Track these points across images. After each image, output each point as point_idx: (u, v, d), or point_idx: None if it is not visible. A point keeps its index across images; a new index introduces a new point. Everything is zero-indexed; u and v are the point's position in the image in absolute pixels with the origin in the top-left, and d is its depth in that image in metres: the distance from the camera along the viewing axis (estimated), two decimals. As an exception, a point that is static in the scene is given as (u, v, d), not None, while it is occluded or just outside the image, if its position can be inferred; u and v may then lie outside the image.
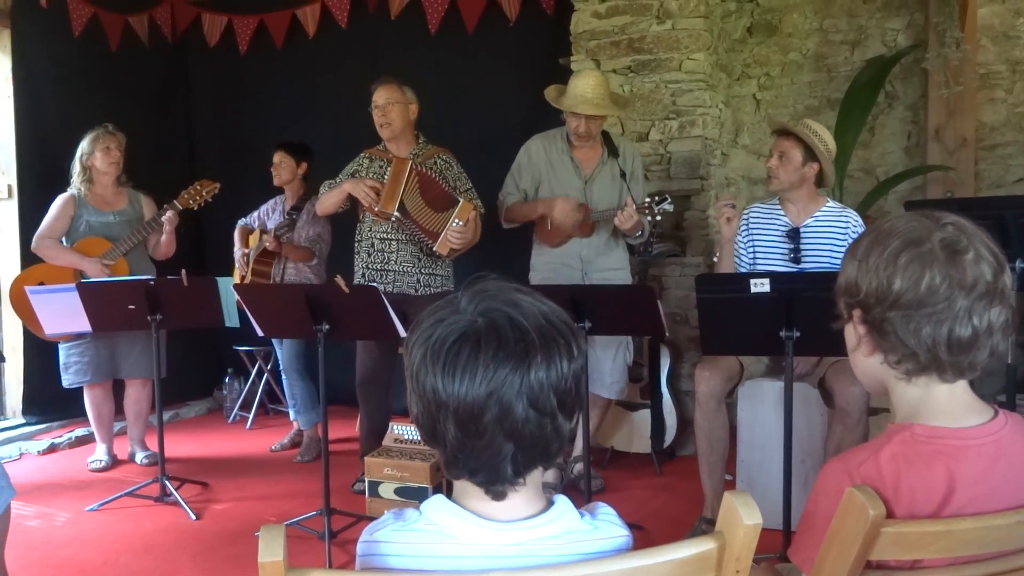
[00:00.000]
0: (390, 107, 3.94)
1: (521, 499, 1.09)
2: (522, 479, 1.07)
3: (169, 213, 4.40)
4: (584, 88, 3.78)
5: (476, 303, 1.06)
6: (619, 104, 4.05)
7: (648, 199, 3.74)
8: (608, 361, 3.99)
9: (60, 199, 4.48)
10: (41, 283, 4.23)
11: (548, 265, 4.01)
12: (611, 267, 4.00)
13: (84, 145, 4.46)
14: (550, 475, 4.08)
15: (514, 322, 1.03)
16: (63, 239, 4.46)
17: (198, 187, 4.50)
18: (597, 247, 3.97)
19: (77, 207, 4.45)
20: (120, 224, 4.49)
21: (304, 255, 4.60)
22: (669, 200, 3.72)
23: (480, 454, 1.04)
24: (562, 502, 1.11)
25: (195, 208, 4.54)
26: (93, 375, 4.45)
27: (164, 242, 4.50)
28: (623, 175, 3.94)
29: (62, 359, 4.45)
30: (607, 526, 1.13)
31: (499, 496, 1.07)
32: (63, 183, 4.55)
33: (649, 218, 3.74)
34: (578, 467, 3.91)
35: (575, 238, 3.95)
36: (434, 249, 3.89)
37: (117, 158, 4.48)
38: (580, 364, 1.07)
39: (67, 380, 4.47)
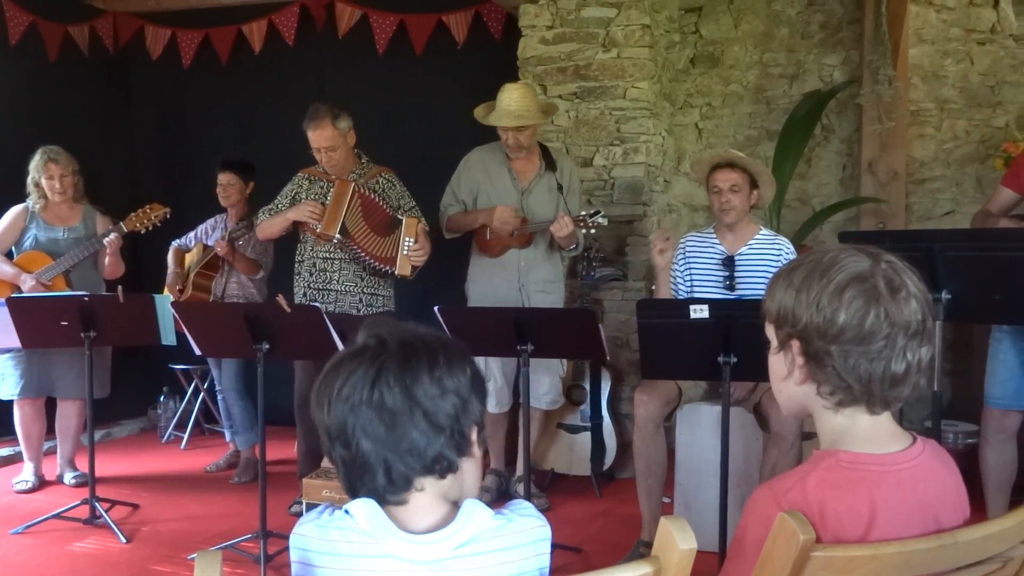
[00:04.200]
0: (332, 152, 3.91)
1: (428, 503, 1.13)
2: (413, 488, 1.11)
3: (112, 236, 4.28)
4: (509, 102, 3.93)
5: (364, 335, 1.16)
6: (546, 112, 4.17)
7: (584, 212, 3.87)
8: (543, 373, 4.06)
9: (13, 210, 4.37)
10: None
11: (485, 273, 4.11)
12: (547, 279, 4.11)
13: (32, 165, 4.34)
14: (489, 480, 4.10)
15: (379, 339, 1.13)
16: (13, 251, 4.34)
17: (147, 210, 4.37)
18: (534, 258, 4.07)
19: (28, 220, 4.35)
20: (68, 241, 4.38)
21: (252, 267, 4.54)
22: (603, 214, 3.87)
23: (355, 468, 1.11)
24: (468, 505, 1.13)
25: (142, 232, 4.40)
26: (23, 390, 4.32)
27: (109, 263, 4.39)
28: (560, 188, 4.06)
29: None
30: (521, 519, 1.15)
31: (400, 502, 1.12)
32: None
33: (584, 231, 3.87)
34: (520, 487, 3.91)
35: (513, 248, 4.04)
36: (396, 273, 3.92)
37: (65, 185, 4.34)
38: (458, 382, 1.12)
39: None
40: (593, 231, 3.89)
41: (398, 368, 1.09)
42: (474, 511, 1.12)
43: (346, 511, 1.11)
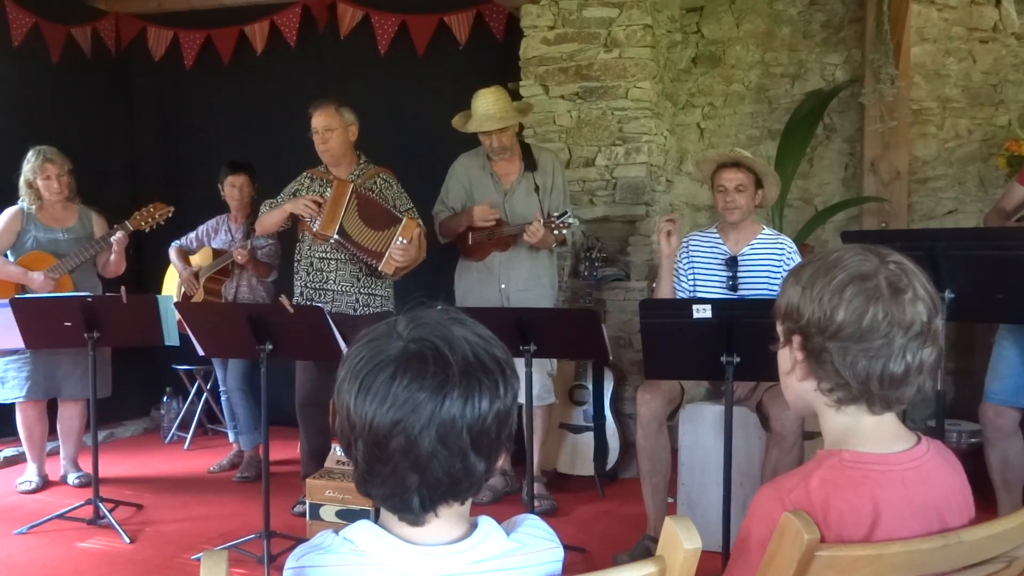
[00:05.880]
0: (329, 133, 3.95)
1: (444, 523, 1.07)
2: (433, 512, 1.05)
3: (119, 235, 4.32)
4: (485, 107, 3.96)
5: (410, 330, 1.04)
6: (522, 111, 4.18)
7: (555, 215, 3.87)
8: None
9: (8, 212, 4.37)
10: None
11: (470, 276, 4.17)
12: (528, 278, 4.09)
13: (26, 166, 4.34)
14: (495, 480, 4.09)
15: (438, 353, 1.01)
16: (8, 253, 4.34)
17: (151, 209, 4.41)
18: (515, 259, 4.08)
19: (25, 222, 4.36)
20: (68, 241, 4.40)
21: (265, 270, 4.61)
22: (570, 215, 3.88)
23: (386, 481, 1.03)
24: (486, 524, 1.10)
25: (147, 230, 4.43)
26: (29, 392, 4.31)
27: (113, 261, 4.42)
28: (536, 189, 4.06)
29: None
30: (534, 540, 1.12)
31: (415, 523, 1.05)
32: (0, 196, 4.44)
33: (556, 232, 3.86)
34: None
35: (495, 252, 4.07)
36: (380, 268, 3.91)
37: (62, 185, 4.35)
38: (505, 405, 1.04)
39: (1, 395, 4.34)
40: (565, 232, 3.88)
41: (462, 399, 1.00)
42: (490, 531, 1.09)
43: (345, 538, 1.06)
